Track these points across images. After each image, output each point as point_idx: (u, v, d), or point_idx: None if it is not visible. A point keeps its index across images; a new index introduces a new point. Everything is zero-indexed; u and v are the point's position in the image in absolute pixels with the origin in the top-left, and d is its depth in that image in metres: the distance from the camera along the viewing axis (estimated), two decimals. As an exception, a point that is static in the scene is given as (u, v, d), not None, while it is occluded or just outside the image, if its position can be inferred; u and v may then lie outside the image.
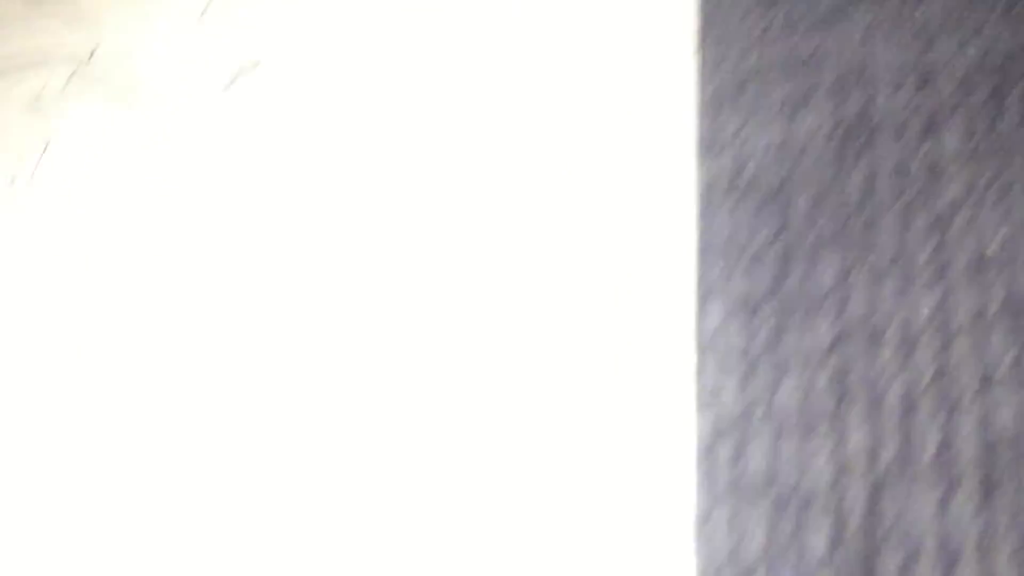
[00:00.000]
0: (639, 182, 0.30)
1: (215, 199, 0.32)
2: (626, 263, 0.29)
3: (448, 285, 0.30)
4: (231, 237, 0.32)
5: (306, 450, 0.29)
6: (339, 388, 0.30)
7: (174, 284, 0.31)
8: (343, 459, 0.29)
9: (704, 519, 0.25)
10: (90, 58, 0.32)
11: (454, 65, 0.32)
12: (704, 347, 0.27)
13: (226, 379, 0.30)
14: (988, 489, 0.25)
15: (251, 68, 0.33)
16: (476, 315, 0.29)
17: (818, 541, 0.25)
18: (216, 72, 0.33)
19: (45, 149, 0.31)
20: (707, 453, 0.26)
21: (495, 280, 0.29)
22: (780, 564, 0.25)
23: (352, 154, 0.32)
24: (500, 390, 0.28)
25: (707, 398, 0.27)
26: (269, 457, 0.29)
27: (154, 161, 0.33)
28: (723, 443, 0.26)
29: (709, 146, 0.30)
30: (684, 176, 0.30)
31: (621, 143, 0.31)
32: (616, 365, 0.28)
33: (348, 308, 0.30)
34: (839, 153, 0.29)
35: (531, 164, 0.31)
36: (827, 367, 0.27)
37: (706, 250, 0.28)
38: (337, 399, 0.29)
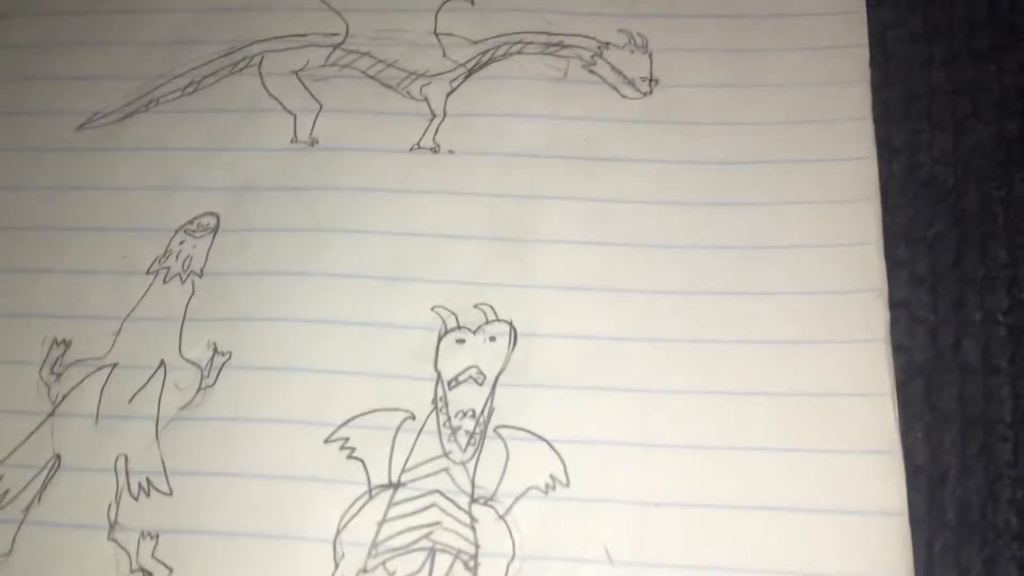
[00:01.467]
0: (826, 178, 0.35)
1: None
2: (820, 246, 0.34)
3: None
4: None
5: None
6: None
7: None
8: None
9: (905, 435, 0.30)
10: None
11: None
12: (895, 310, 0.32)
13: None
14: None
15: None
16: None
17: (1003, 451, 0.30)
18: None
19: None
20: (903, 389, 0.31)
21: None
22: (972, 466, 0.30)
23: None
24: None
25: (899, 351, 0.32)
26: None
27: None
28: (916, 383, 0.31)
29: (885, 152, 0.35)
30: (867, 174, 0.35)
31: (806, 144, 0.36)
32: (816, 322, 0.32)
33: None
34: (1004, 161, 0.34)
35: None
36: (1002, 327, 0.32)
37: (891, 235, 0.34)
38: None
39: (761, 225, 0.33)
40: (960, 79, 0.35)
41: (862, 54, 0.36)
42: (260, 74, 0.37)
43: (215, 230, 0.35)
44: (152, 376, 0.32)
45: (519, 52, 0.37)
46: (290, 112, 0.37)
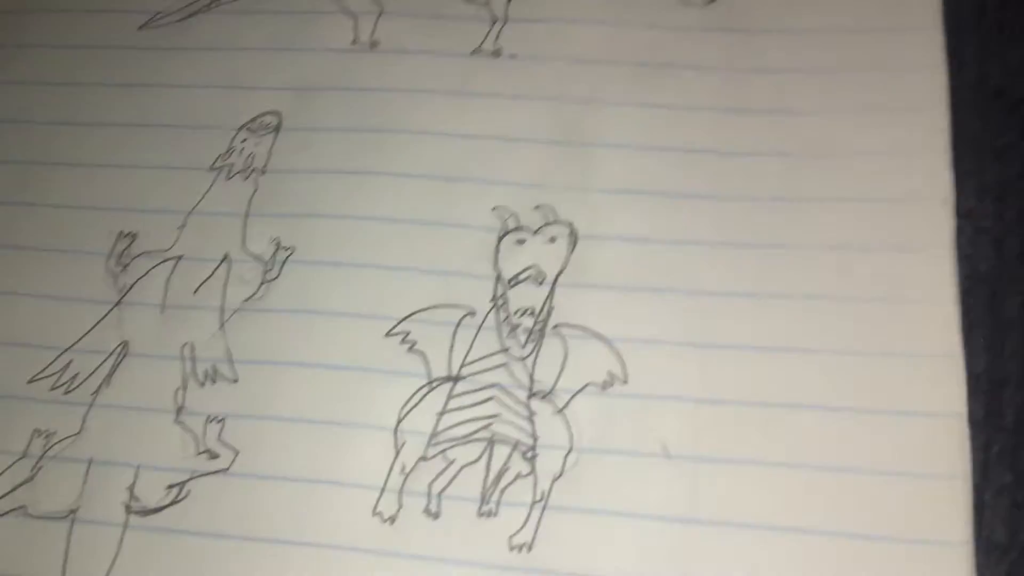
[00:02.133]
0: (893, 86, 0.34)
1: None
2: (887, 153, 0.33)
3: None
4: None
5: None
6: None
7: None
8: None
9: (967, 338, 0.30)
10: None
11: None
12: (961, 219, 0.32)
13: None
14: None
15: None
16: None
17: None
18: None
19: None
20: (965, 297, 0.30)
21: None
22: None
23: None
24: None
25: (963, 259, 0.31)
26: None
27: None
28: (979, 291, 0.31)
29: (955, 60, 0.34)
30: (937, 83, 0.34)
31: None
32: (881, 228, 0.32)
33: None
34: None
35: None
36: None
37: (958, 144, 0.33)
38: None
39: (826, 132, 0.33)
40: (1035, -12, 0.35)
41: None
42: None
43: (277, 129, 0.35)
44: (216, 269, 0.33)
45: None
46: (351, 14, 0.37)
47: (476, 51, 0.36)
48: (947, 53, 0.34)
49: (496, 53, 0.35)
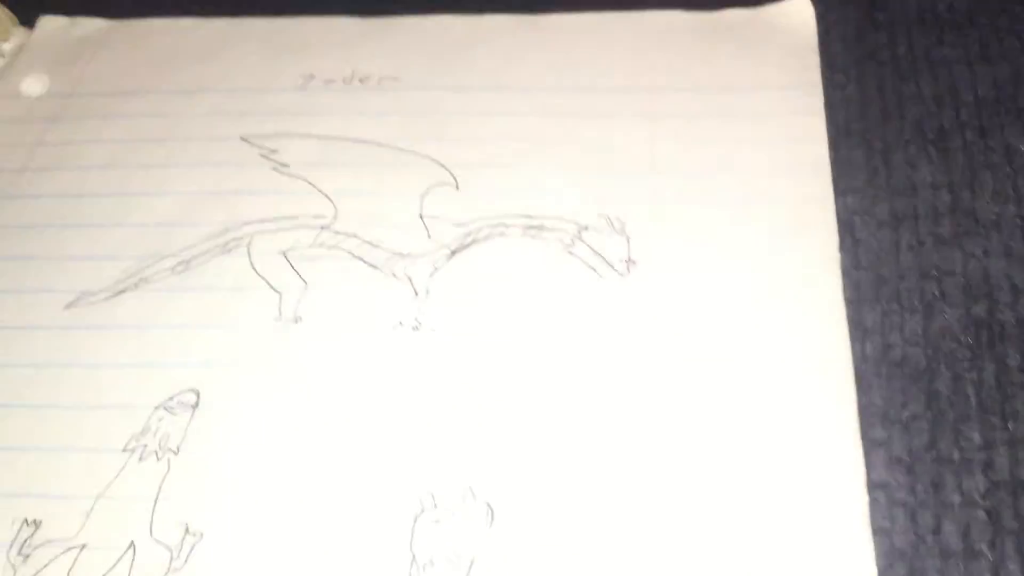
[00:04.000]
0: (799, 360, 0.35)
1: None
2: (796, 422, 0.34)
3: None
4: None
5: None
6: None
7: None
8: None
9: None
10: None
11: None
12: (873, 493, 0.32)
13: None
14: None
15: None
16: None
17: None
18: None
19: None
20: (885, 574, 0.31)
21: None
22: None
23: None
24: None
25: (880, 533, 0.31)
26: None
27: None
28: (897, 568, 0.31)
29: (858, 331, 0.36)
30: (841, 355, 0.35)
31: (779, 320, 0.36)
32: (794, 504, 0.32)
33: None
34: (973, 345, 0.35)
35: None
36: (981, 511, 0.32)
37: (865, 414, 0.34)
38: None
39: (738, 418, 0.33)
40: (927, 264, 0.36)
41: (832, 239, 0.37)
42: (248, 254, 0.38)
43: (195, 407, 0.35)
44: (120, 558, 0.31)
45: (501, 234, 0.39)
46: (276, 291, 0.38)
47: (397, 326, 0.36)
48: (851, 325, 0.35)
49: (417, 327, 0.36)
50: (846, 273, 0.37)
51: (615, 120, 0.41)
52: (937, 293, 0.36)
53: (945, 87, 0.41)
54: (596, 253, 0.38)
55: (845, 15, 0.44)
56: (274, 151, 0.41)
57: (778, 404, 0.33)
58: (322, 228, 0.39)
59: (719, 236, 0.38)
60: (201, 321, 0.37)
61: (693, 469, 0.32)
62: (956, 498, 0.32)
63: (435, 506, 0.32)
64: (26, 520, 0.33)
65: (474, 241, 0.39)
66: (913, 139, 0.40)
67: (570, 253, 0.38)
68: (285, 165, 0.41)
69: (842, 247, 0.37)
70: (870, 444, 0.33)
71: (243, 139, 0.41)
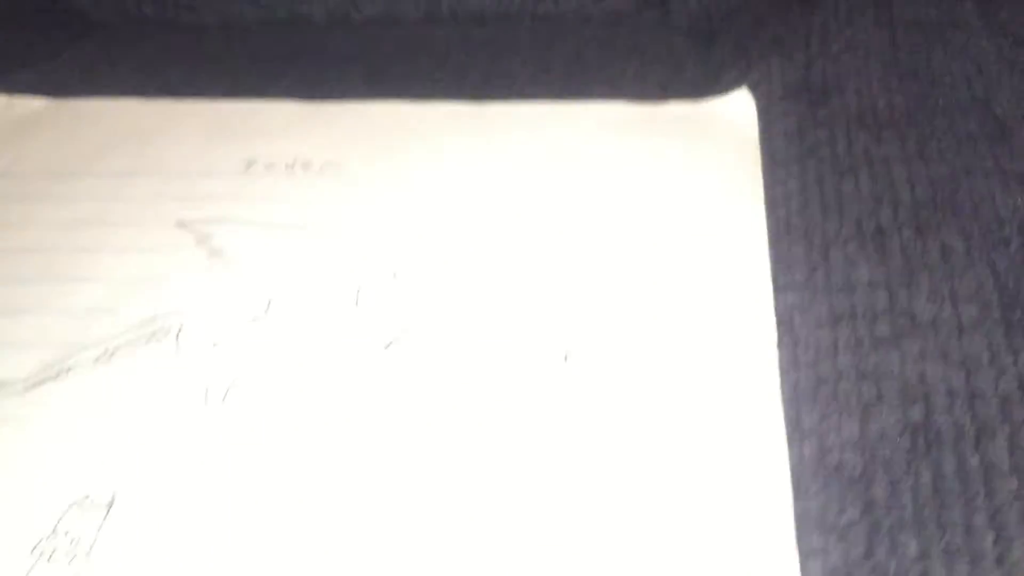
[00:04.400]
0: (736, 463, 0.34)
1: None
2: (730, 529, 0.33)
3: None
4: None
5: None
6: None
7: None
8: None
9: None
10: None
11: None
12: None
13: None
14: None
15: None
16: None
17: None
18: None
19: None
20: None
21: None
22: None
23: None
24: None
25: None
26: None
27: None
28: None
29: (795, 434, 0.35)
30: (777, 458, 0.34)
31: (714, 423, 0.35)
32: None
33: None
34: (909, 449, 0.34)
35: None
36: None
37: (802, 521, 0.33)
38: None
39: (671, 525, 0.32)
40: (864, 365, 0.36)
41: (770, 336, 0.37)
42: (176, 343, 0.37)
43: (109, 506, 0.33)
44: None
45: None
46: (202, 383, 0.37)
47: (328, 421, 0.35)
48: (788, 426, 0.35)
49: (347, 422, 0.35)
50: (784, 372, 0.36)
51: (549, 211, 0.41)
52: (874, 395, 0.35)
53: (884, 185, 0.42)
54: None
55: (786, 111, 0.45)
56: (210, 236, 0.40)
57: (714, 509, 0.33)
58: (254, 319, 0.38)
59: (653, 328, 0.37)
60: (122, 415, 0.36)
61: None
62: (894, 613, 0.31)
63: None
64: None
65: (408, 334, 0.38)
66: (852, 236, 0.40)
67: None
68: (220, 251, 0.40)
69: (780, 344, 0.37)
70: (806, 553, 0.32)
71: (179, 224, 0.41)
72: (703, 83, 0.51)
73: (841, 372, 0.36)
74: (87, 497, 0.33)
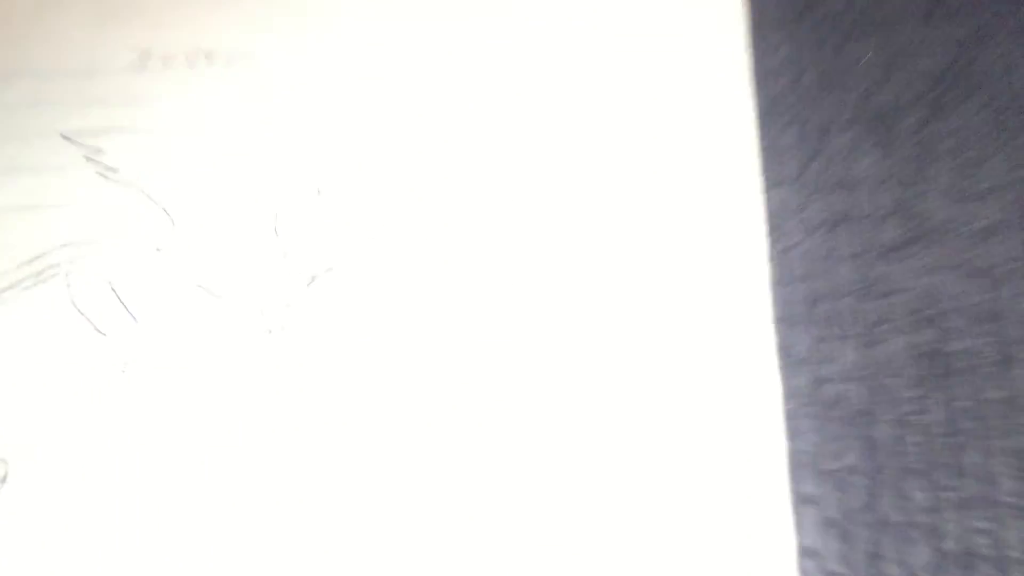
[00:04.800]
0: (724, 389, 0.30)
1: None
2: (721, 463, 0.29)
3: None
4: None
5: None
6: None
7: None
8: None
9: None
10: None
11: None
12: (805, 562, 0.28)
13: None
14: None
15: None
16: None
17: None
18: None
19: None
20: None
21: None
22: None
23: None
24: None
25: None
26: None
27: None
28: None
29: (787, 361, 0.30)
30: (769, 389, 0.30)
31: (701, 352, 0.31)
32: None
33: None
34: (918, 383, 0.30)
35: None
36: None
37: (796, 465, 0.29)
38: None
39: (652, 464, 0.29)
40: (867, 278, 0.31)
41: (759, 245, 0.32)
42: (68, 285, 0.32)
43: (2, 481, 0.29)
44: None
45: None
46: (100, 332, 0.32)
47: (247, 370, 0.31)
48: (779, 351, 0.30)
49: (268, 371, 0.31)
50: (773, 288, 0.32)
51: (504, 106, 0.35)
52: (878, 315, 0.31)
53: (894, 51, 0.36)
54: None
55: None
56: (100, 151, 0.34)
57: (695, 447, 0.29)
58: (157, 249, 0.33)
59: (626, 238, 0.32)
60: (9, 374, 0.31)
61: (605, 529, 0.28)
62: (895, 571, 0.27)
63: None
64: None
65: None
66: (855, 119, 0.34)
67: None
68: (114, 170, 0.34)
69: (771, 256, 0.32)
70: (797, 502, 0.28)
71: (64, 137, 0.35)
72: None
73: (839, 287, 0.31)
74: (-26, 471, 0.29)
